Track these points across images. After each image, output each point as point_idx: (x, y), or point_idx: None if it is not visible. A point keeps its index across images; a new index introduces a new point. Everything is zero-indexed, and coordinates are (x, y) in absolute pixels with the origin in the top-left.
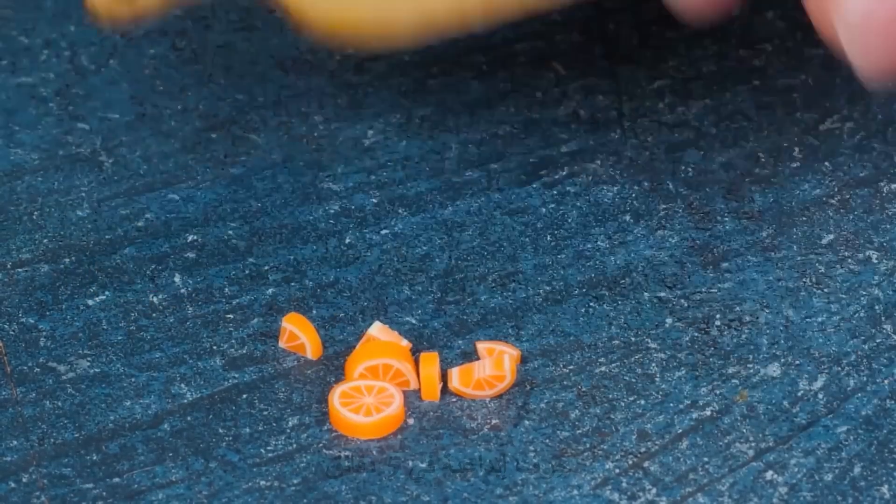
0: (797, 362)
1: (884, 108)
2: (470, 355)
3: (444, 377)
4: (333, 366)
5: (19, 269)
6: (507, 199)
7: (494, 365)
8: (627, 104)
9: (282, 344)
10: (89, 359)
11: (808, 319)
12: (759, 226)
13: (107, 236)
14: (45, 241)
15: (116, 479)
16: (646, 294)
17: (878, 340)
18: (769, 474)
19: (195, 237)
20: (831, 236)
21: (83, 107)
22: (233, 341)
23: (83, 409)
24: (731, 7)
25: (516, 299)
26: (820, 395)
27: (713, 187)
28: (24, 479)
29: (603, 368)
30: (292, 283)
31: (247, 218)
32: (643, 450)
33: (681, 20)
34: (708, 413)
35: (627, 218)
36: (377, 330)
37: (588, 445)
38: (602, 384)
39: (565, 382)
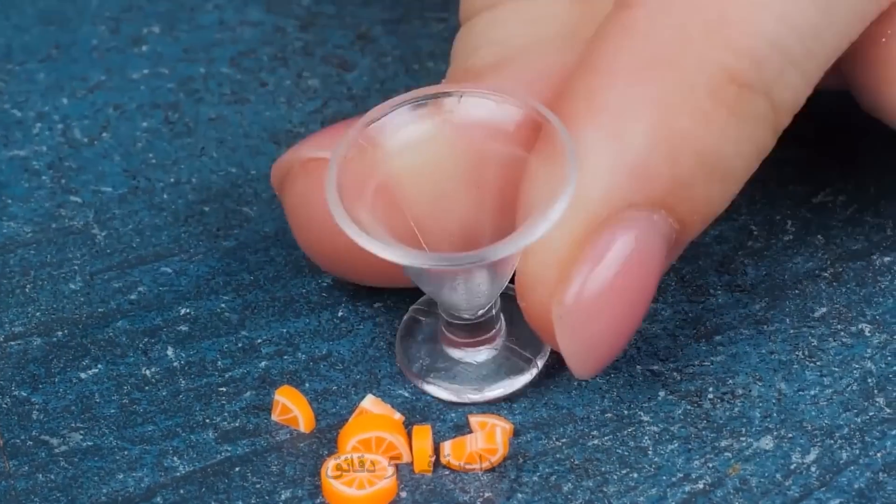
0: (790, 435)
1: (876, 182)
2: (462, 428)
3: (436, 450)
4: (326, 439)
5: (12, 343)
6: None
7: (487, 438)
8: None
9: (274, 417)
10: (82, 432)
11: (800, 392)
12: (752, 299)
13: (99, 309)
14: (38, 314)
15: None
16: (638, 367)
17: (870, 413)
18: None
19: (188, 310)
20: (824, 309)
21: (76, 180)
22: (225, 414)
23: (76, 483)
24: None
25: None
26: (813, 468)
27: (706, 260)
28: None
29: (596, 441)
30: (285, 357)
31: (239, 291)
32: None
33: None
34: (701, 486)
35: None
36: (370, 403)
37: None
38: (595, 457)
39: (558, 455)
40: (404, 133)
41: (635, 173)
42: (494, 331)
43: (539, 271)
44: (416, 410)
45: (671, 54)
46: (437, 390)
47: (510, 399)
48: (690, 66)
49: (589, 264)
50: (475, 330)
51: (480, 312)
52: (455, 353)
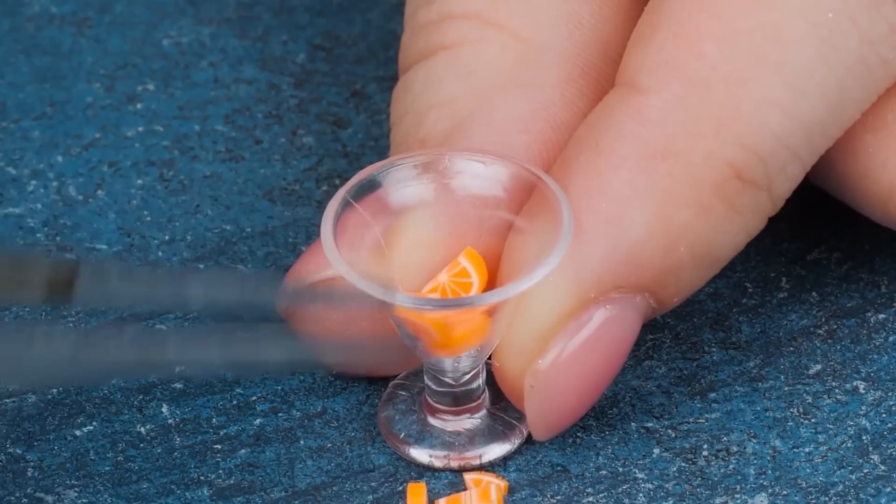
0: (784, 492)
1: (871, 239)
2: (458, 485)
3: None
4: (321, 496)
5: (6, 400)
6: None
7: (481, 495)
8: None
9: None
10: (77, 489)
11: (795, 450)
12: (747, 356)
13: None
14: None
15: None
16: (633, 424)
17: (865, 471)
18: None
19: (183, 368)
20: (818, 366)
21: (70, 237)
22: (220, 471)
23: None
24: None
25: None
26: None
27: (700, 318)
28: None
29: (590, 499)
30: (280, 414)
31: None
32: None
33: None
34: None
35: None
36: None
37: None
38: None
39: None
40: (399, 195)
41: (629, 261)
42: (479, 401)
43: (522, 340)
44: (411, 468)
45: (681, 147)
46: (422, 455)
47: (507, 455)
48: (699, 160)
49: (566, 338)
50: (459, 399)
51: (465, 378)
52: (437, 421)
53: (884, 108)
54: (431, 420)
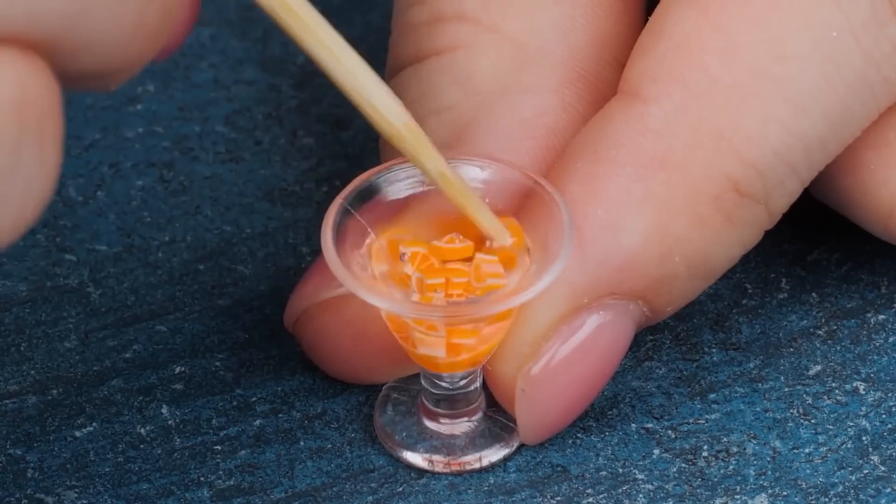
0: (784, 493)
1: (871, 240)
2: (457, 486)
3: None
4: (321, 497)
5: (7, 401)
6: None
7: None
8: None
9: None
10: (77, 490)
11: (795, 450)
12: (747, 357)
13: (94, 368)
14: (33, 372)
15: None
16: (633, 425)
17: (865, 471)
18: None
19: (182, 368)
20: (818, 367)
21: (71, 238)
22: (220, 472)
23: None
24: None
25: None
26: None
27: (700, 318)
28: None
29: (590, 500)
30: (280, 415)
31: (234, 349)
32: None
33: None
34: None
35: None
36: None
37: None
38: None
39: None
40: (396, 200)
41: (624, 268)
42: (476, 404)
43: (514, 344)
44: (411, 469)
45: (679, 157)
46: (418, 459)
47: (504, 458)
48: (697, 171)
49: (559, 343)
50: (456, 402)
51: (462, 382)
52: (434, 425)
53: (885, 125)
54: (428, 423)
